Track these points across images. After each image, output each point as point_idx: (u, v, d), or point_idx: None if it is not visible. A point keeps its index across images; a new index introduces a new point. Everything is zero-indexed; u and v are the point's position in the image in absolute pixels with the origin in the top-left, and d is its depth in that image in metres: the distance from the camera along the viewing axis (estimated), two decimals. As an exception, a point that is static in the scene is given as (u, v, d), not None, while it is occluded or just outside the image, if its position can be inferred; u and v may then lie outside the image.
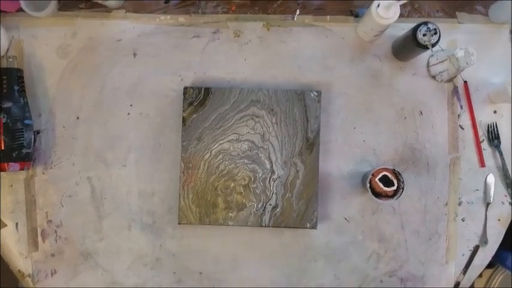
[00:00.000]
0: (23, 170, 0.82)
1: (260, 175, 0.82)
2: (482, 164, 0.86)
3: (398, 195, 0.77)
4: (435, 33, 0.76)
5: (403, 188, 0.77)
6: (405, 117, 0.86)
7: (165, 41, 0.87)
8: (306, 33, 0.87)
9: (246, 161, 0.82)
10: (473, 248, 0.86)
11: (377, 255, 0.85)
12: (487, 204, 0.86)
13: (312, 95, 0.82)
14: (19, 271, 0.86)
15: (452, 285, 0.86)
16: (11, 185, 0.86)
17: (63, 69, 0.87)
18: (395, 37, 0.85)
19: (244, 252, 0.86)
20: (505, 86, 0.81)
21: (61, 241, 0.86)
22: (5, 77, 0.81)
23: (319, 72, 0.87)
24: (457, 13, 0.88)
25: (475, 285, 1.07)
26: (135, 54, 0.87)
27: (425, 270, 0.85)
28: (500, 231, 0.86)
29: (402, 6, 0.78)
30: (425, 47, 0.76)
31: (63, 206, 0.86)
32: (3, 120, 0.79)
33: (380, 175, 0.77)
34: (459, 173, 0.86)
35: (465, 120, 0.87)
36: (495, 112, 0.87)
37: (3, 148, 0.79)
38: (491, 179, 0.86)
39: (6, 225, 0.86)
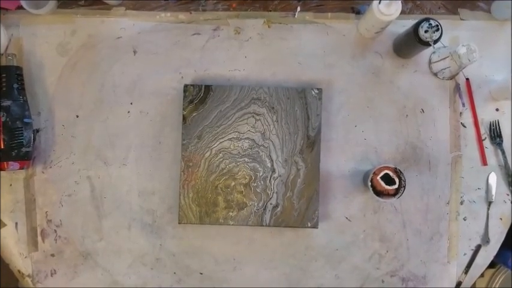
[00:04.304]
0: (22, 169, 0.82)
1: (261, 174, 0.81)
2: (484, 162, 0.86)
3: (399, 194, 0.77)
4: (437, 29, 0.75)
5: (404, 187, 0.77)
6: (407, 115, 0.86)
7: (165, 39, 0.87)
8: (306, 30, 0.87)
9: (246, 159, 0.81)
10: (475, 247, 0.85)
11: (378, 254, 0.85)
12: (489, 203, 0.85)
13: (313, 92, 0.82)
14: (19, 271, 0.86)
15: (454, 285, 0.85)
16: (11, 184, 0.86)
17: (63, 67, 0.86)
18: (396, 34, 0.85)
19: (245, 252, 0.85)
20: (507, 83, 0.80)
21: (61, 241, 0.85)
22: (4, 75, 0.80)
23: (320, 69, 0.86)
24: (459, 10, 0.87)
25: (477, 285, 1.06)
26: (135, 52, 0.87)
27: (426, 270, 0.85)
28: (502, 231, 0.85)
29: (404, 3, 0.77)
30: (427, 44, 0.76)
31: (62, 206, 0.86)
32: (3, 119, 0.78)
33: (381, 173, 0.77)
34: (461, 171, 0.86)
35: (467, 118, 0.86)
36: (497, 110, 0.86)
37: (2, 147, 0.78)
38: (493, 178, 0.85)
39: (6, 224, 0.85)
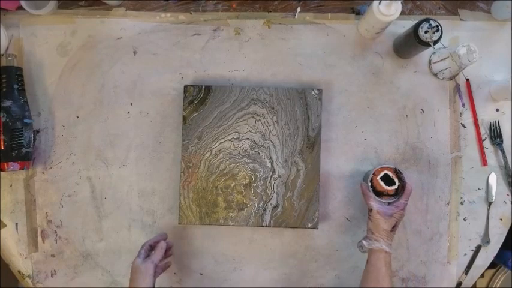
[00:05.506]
0: (22, 169, 0.82)
1: (261, 174, 0.81)
2: (484, 162, 0.86)
3: (399, 194, 0.77)
4: (437, 30, 0.75)
5: (404, 187, 0.77)
6: (407, 116, 0.86)
7: (165, 39, 0.87)
8: (306, 30, 0.87)
9: (246, 160, 0.81)
10: (475, 247, 0.85)
11: (378, 254, 0.85)
12: (489, 204, 0.85)
13: (313, 93, 0.82)
14: (19, 272, 0.86)
15: (454, 286, 0.85)
16: (11, 185, 0.86)
17: (63, 67, 0.86)
18: (396, 34, 0.85)
19: (245, 252, 0.85)
20: (507, 83, 0.80)
21: (61, 241, 0.85)
22: (4, 76, 0.80)
23: (320, 69, 0.86)
24: (459, 10, 0.87)
25: (477, 286, 1.07)
26: (135, 52, 0.87)
27: (426, 270, 0.85)
28: (502, 231, 0.85)
29: (403, 3, 0.77)
30: (427, 44, 0.76)
31: (62, 206, 0.86)
32: (3, 120, 0.78)
33: (381, 174, 0.77)
34: (461, 171, 0.86)
35: (467, 118, 0.86)
36: (497, 110, 0.86)
37: (2, 147, 0.78)
38: (493, 178, 0.85)
39: (6, 225, 0.85)
